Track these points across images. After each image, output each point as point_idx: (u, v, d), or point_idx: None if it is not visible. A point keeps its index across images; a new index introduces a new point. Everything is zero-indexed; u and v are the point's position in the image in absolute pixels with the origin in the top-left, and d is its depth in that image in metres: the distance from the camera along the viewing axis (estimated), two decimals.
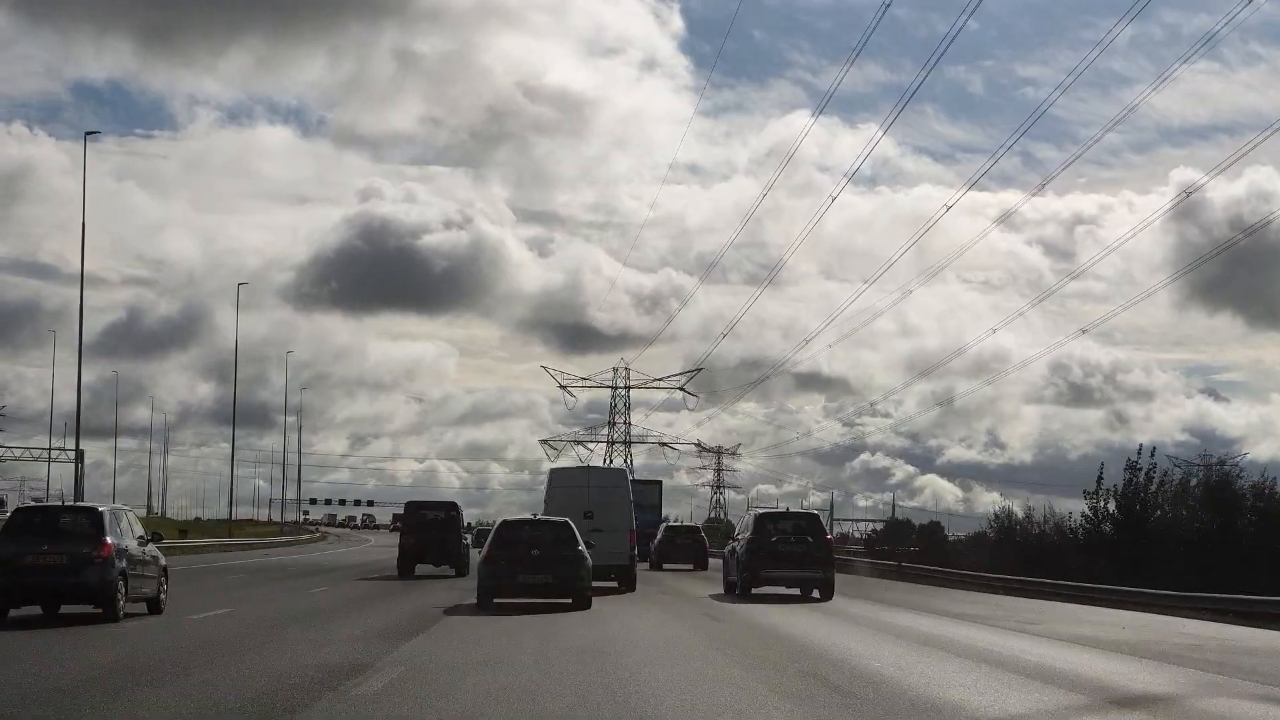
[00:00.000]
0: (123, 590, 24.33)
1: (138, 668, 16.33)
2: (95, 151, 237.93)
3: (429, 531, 46.87)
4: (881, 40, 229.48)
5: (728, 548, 38.38)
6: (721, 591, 37.21)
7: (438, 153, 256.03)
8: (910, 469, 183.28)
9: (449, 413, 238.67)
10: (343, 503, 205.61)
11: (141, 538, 26.36)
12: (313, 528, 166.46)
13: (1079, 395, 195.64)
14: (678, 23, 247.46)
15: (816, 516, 37.51)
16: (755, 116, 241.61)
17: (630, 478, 46.46)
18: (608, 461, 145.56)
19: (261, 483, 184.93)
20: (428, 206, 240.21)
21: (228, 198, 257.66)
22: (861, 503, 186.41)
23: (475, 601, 28.47)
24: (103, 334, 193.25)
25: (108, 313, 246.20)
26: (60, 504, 34.73)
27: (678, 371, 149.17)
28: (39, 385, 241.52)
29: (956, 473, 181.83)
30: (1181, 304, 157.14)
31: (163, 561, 27.28)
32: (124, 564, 24.52)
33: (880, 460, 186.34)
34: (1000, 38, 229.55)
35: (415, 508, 49.05)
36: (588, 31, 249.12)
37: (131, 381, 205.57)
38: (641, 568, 41.50)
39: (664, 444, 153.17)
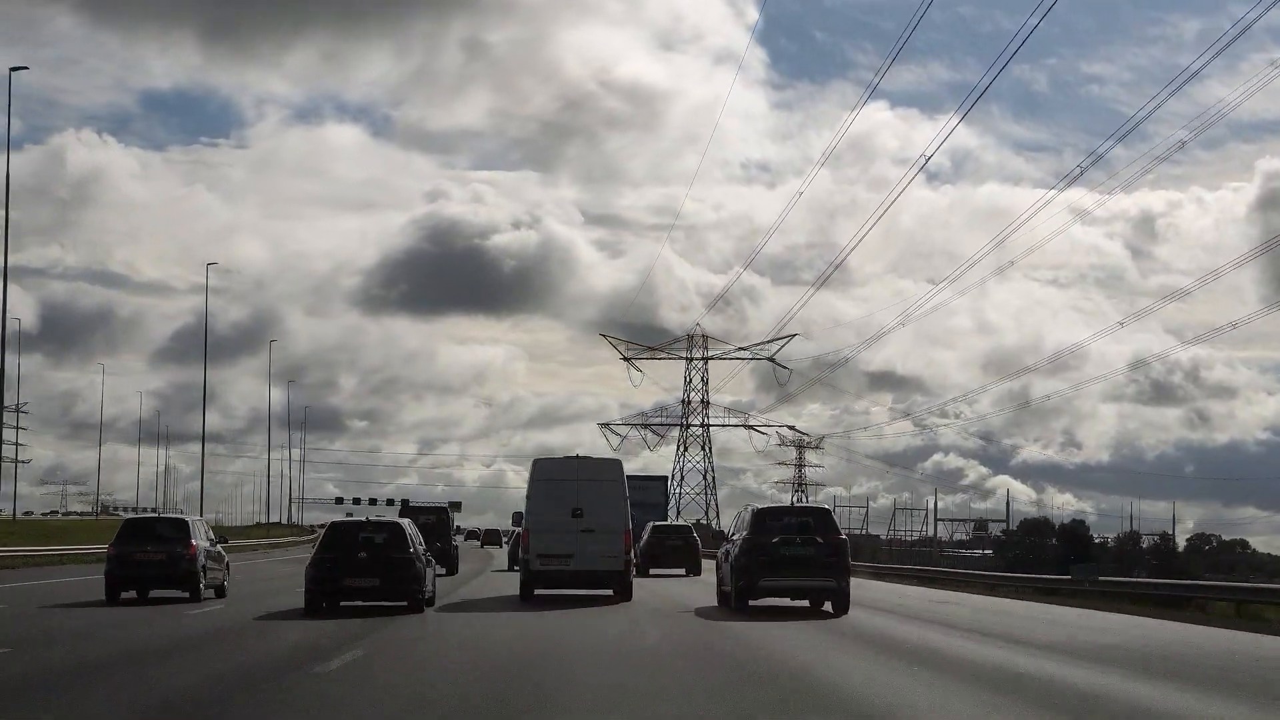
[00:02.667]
0: (203, 579, 31.32)
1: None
2: (164, 159, 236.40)
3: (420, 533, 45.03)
4: (945, 38, 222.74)
5: (721, 550, 32.00)
6: (715, 603, 30.91)
7: (506, 148, 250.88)
8: (984, 469, 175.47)
9: (517, 416, 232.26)
10: (373, 503, 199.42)
11: (212, 540, 33.48)
12: (312, 530, 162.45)
13: (1159, 393, 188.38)
14: (753, 14, 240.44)
15: (827, 511, 31.00)
16: (829, 110, 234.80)
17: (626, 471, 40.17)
18: (681, 451, 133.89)
19: (332, 487, 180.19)
20: (495, 208, 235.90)
21: (295, 201, 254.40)
22: (931, 503, 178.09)
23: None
24: (172, 339, 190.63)
25: (176, 319, 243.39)
26: (157, 515, 46.04)
27: (761, 340, 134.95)
28: (111, 392, 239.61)
29: (1031, 473, 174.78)
30: (1269, 298, 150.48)
31: (226, 558, 34.52)
32: (203, 560, 31.45)
33: (953, 460, 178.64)
34: (1064, 35, 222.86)
35: (410, 510, 51.10)
36: (663, 21, 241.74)
37: (200, 387, 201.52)
38: None
39: (750, 426, 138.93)
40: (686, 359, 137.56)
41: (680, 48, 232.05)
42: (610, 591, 31.87)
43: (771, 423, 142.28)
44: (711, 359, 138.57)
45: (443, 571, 44.69)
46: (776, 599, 29.49)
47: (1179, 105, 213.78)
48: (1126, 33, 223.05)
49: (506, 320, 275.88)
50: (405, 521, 30.51)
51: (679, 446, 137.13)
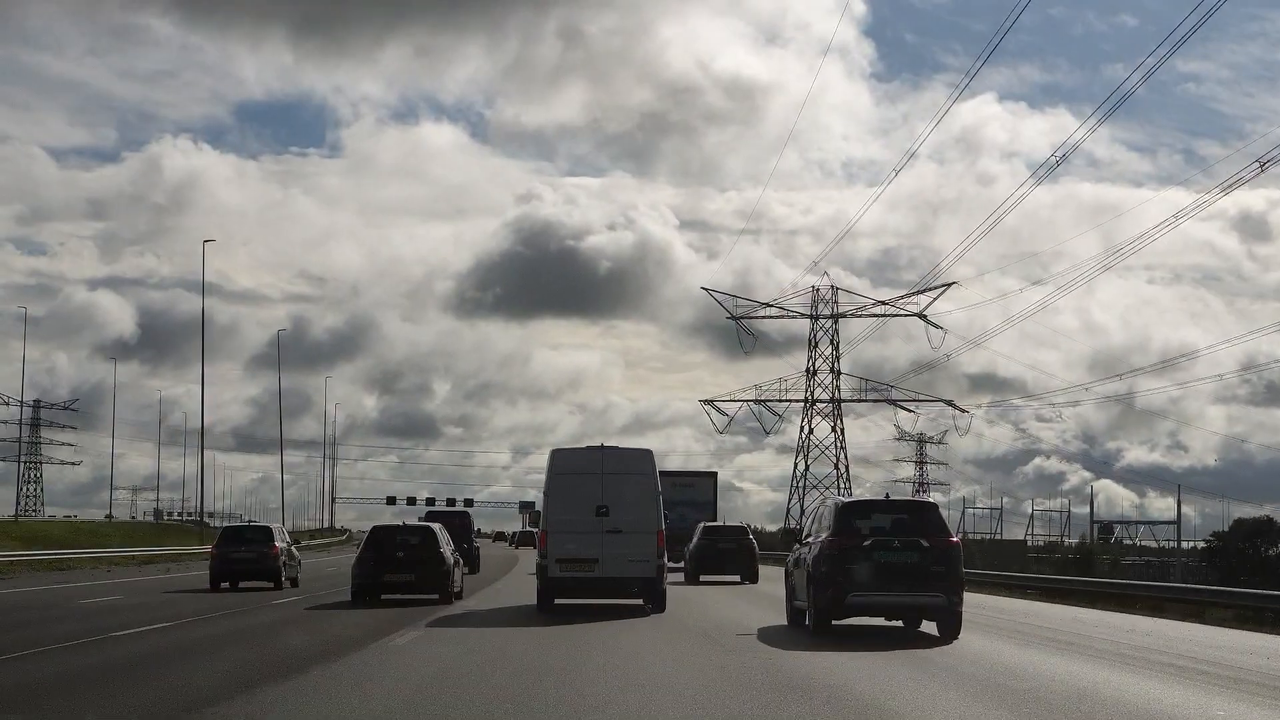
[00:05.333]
0: (284, 573, 39.60)
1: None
2: (259, 167, 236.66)
3: None
4: (1035, 40, 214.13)
5: (792, 556, 25.25)
6: (782, 622, 24.59)
7: (601, 144, 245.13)
8: (1086, 474, 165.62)
9: (610, 421, 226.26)
10: (430, 502, 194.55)
11: (288, 542, 42.46)
12: (344, 531, 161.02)
13: (1274, 394, 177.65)
14: (860, 6, 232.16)
15: (933, 506, 23.91)
16: (935, 108, 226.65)
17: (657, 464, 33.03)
18: (806, 430, 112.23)
19: (425, 493, 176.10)
20: (589, 209, 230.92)
21: (389, 205, 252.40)
22: (1029, 509, 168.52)
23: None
24: (268, 346, 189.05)
25: (271, 327, 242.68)
26: (248, 523, 59.63)
27: (908, 292, 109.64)
28: (207, 399, 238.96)
29: (1134, 477, 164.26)
30: None
31: (298, 556, 43.57)
32: (284, 558, 39.90)
33: (1054, 464, 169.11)
34: (1160, 33, 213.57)
35: (434, 515, 53.36)
36: (767, 12, 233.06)
37: (300, 394, 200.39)
38: (676, 580, 30.57)
39: (893, 401, 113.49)
40: (812, 317, 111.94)
41: (783, 40, 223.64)
42: (640, 601, 27.85)
43: (922, 395, 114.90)
44: (843, 317, 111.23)
45: (465, 570, 46.61)
46: (865, 618, 23.00)
47: (1276, 101, 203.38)
48: (1224, 30, 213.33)
49: (599, 324, 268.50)
50: (437, 525, 33.66)
51: (804, 423, 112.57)
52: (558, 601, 27.48)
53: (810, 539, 23.49)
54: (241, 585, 39.21)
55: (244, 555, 39.29)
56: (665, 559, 27.91)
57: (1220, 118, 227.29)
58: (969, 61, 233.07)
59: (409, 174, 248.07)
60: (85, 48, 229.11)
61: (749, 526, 55.79)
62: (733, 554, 46.81)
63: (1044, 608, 33.29)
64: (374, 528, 33.83)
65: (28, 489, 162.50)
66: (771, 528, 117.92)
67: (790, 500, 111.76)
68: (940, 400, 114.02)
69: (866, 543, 21.99)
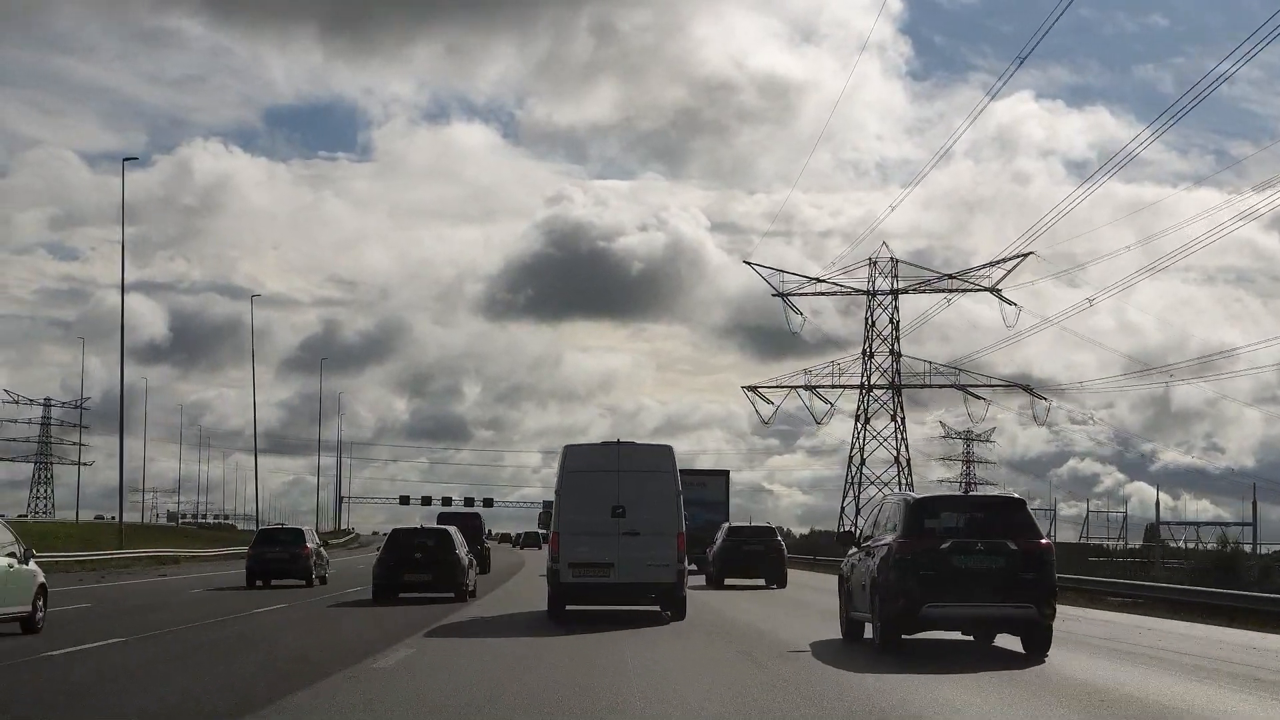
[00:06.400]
0: (314, 572, 42.42)
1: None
2: (289, 170, 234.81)
3: None
4: (1065, 41, 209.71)
5: (848, 559, 21.88)
6: (837, 636, 21.26)
7: (632, 143, 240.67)
8: (1120, 476, 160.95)
9: (642, 424, 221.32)
10: (447, 502, 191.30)
11: (318, 543, 45.28)
12: (350, 533, 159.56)
13: None
14: (897, 4, 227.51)
15: (1021, 503, 20.17)
16: (973, 99, 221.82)
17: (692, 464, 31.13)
18: (860, 422, 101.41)
19: (454, 495, 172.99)
20: (620, 209, 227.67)
21: (419, 207, 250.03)
22: (1065, 511, 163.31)
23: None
24: (300, 349, 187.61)
25: (303, 330, 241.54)
26: (281, 526, 58.67)
27: (977, 265, 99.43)
28: (237, 403, 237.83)
29: (1170, 479, 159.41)
30: None
31: (326, 555, 46.75)
32: (314, 557, 42.82)
33: (1089, 466, 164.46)
34: (1190, 33, 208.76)
35: (447, 517, 55.12)
36: (804, 10, 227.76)
37: (329, 397, 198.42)
38: (698, 582, 29.83)
39: (961, 387, 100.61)
40: (868, 293, 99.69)
41: (819, 38, 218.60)
42: (657, 608, 26.18)
43: (995, 380, 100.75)
44: (904, 293, 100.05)
45: (477, 570, 48.06)
46: (937, 632, 19.60)
47: None
48: (1255, 28, 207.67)
49: (630, 326, 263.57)
50: (452, 528, 35.33)
51: (859, 411, 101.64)
52: (569, 608, 25.29)
53: (871, 542, 19.92)
54: (274, 583, 41.44)
55: (278, 555, 41.91)
56: (685, 563, 25.65)
57: (1252, 118, 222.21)
58: (998, 63, 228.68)
59: (439, 175, 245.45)
60: (115, 52, 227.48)
61: (778, 528, 52.22)
62: (760, 556, 43.85)
63: (1120, 617, 29.44)
64: (393, 530, 36.09)
65: (39, 490, 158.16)
66: (809, 531, 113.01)
67: (844, 499, 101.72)
68: (1017, 385, 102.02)
69: (944, 545, 18.66)
